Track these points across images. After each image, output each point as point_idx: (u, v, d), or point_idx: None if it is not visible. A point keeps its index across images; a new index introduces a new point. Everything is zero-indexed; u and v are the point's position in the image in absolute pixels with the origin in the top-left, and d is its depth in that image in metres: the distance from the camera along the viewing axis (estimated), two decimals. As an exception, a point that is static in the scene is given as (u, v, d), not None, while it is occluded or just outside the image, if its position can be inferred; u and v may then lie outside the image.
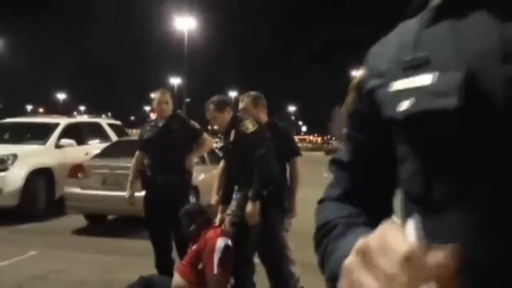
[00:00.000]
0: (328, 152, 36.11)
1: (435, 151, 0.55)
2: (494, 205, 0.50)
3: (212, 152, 7.20)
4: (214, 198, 3.71)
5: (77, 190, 6.29)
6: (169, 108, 4.14)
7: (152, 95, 4.19)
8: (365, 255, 0.44)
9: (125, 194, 5.70)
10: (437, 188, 0.55)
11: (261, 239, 3.27)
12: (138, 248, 5.29)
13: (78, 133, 8.48)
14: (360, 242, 0.45)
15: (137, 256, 4.92)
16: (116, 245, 5.60)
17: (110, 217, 7.17)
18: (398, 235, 0.43)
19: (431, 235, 0.44)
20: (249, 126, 3.21)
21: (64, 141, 7.89)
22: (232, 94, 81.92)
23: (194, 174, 4.54)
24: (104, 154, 6.94)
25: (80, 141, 8.44)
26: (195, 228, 3.30)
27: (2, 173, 6.67)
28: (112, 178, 6.19)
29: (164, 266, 4.01)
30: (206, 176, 6.59)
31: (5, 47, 45.74)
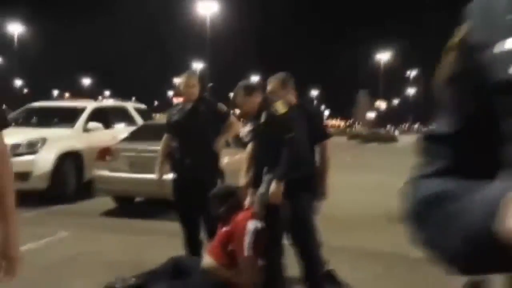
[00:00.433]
0: (351, 137, 35.64)
1: None
2: None
3: (236, 136, 7.18)
4: (243, 180, 3.69)
5: (106, 172, 6.38)
6: (196, 91, 4.11)
7: (178, 79, 4.18)
8: None
9: (152, 176, 5.83)
10: None
11: (291, 221, 3.24)
12: (166, 229, 5.34)
13: (105, 117, 8.58)
14: None
15: (165, 236, 4.97)
16: (144, 227, 5.68)
17: (137, 199, 7.27)
18: None
19: None
20: (280, 107, 3.18)
21: (91, 124, 8.00)
22: (255, 78, 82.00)
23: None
24: (131, 137, 7.00)
25: (107, 124, 8.55)
26: (225, 210, 3.29)
27: (32, 157, 6.80)
28: (140, 161, 6.25)
29: (193, 247, 4.04)
30: (230, 159, 6.58)
31: (29, 32, 46.45)
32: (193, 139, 3.98)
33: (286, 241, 3.42)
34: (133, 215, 6.33)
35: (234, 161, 5.93)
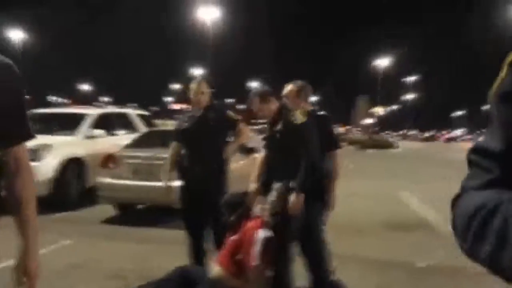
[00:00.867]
0: (351, 142, 35.64)
1: None
2: None
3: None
4: (252, 187, 3.67)
5: (109, 180, 6.36)
6: (205, 98, 4.11)
7: (178, 85, 4.19)
8: None
9: (156, 184, 5.83)
10: None
11: (302, 231, 3.23)
12: (170, 236, 5.33)
13: (108, 124, 8.58)
14: None
15: (169, 245, 4.96)
16: (148, 234, 5.66)
17: (139, 206, 7.26)
18: None
19: None
20: (299, 117, 3.17)
21: (94, 131, 8.00)
22: (255, 84, 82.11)
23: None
24: (135, 144, 7.00)
25: (110, 131, 8.55)
26: (235, 218, 3.28)
27: (35, 163, 6.76)
28: (144, 168, 6.24)
29: (198, 256, 4.02)
30: (234, 165, 6.58)
31: (28, 38, 46.38)
32: (203, 147, 3.98)
33: (294, 251, 3.42)
34: (136, 223, 6.31)
35: (238, 167, 5.93)
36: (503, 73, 0.63)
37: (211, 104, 4.22)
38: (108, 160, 6.47)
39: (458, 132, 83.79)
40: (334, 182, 3.55)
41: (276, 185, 3.32)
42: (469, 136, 76.16)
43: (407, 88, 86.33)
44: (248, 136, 4.61)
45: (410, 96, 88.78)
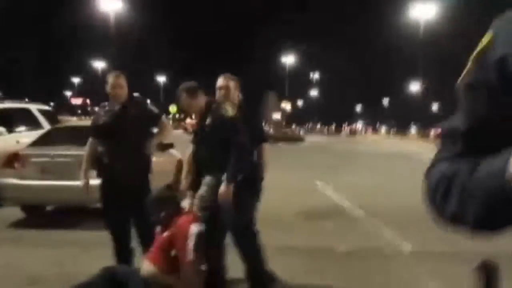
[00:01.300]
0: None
1: None
2: None
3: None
4: (183, 183, 3.61)
5: (14, 180, 5.83)
6: (124, 92, 3.92)
7: (109, 77, 3.92)
8: None
9: (68, 183, 5.48)
10: None
11: (235, 222, 3.23)
12: (85, 239, 5.09)
13: (7, 120, 7.87)
14: None
15: (86, 247, 4.71)
16: (63, 237, 5.31)
17: (48, 208, 6.77)
18: None
19: None
20: (229, 110, 3.14)
21: (-7, 128, 7.29)
22: (161, 78, 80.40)
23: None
24: (41, 141, 6.47)
25: (10, 128, 7.84)
26: (166, 214, 3.19)
27: None
28: (52, 167, 5.82)
29: (124, 255, 3.86)
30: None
31: None
32: (123, 143, 3.78)
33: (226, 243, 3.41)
34: (47, 225, 5.88)
35: (155, 163, 5.76)
36: (469, 66, 0.73)
37: (130, 98, 4.03)
38: (13, 160, 5.93)
39: (359, 124, 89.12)
40: (263, 174, 3.59)
41: (206, 179, 3.29)
42: (370, 128, 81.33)
43: (311, 84, 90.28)
44: (171, 132, 4.49)
45: (314, 92, 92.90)
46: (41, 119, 8.99)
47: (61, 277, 3.74)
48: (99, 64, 66.52)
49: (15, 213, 6.24)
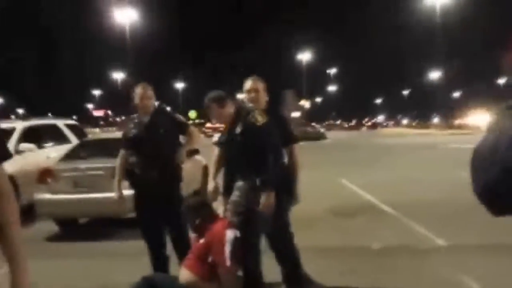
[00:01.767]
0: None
1: None
2: None
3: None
4: (211, 185, 3.63)
5: (48, 195, 5.98)
6: (152, 102, 4.00)
7: (135, 90, 3.99)
8: None
9: (101, 195, 5.60)
10: None
11: (273, 226, 3.25)
12: (122, 249, 5.16)
13: (36, 137, 8.06)
14: None
15: (124, 257, 4.79)
16: (98, 249, 5.40)
17: (81, 220, 6.91)
18: None
19: None
20: (259, 118, 3.15)
21: (23, 145, 7.48)
22: (179, 85, 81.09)
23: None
24: (71, 156, 6.62)
25: (39, 144, 8.04)
26: (200, 222, 3.22)
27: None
28: (84, 180, 5.95)
29: (161, 264, 3.92)
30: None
31: None
32: (153, 153, 3.86)
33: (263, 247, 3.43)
34: (82, 237, 6.00)
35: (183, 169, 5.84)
36: None
37: (158, 108, 4.11)
38: (45, 175, 6.08)
39: (380, 118, 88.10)
40: (297, 175, 3.59)
41: (239, 184, 3.30)
42: (391, 122, 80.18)
43: (329, 80, 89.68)
44: (199, 140, 4.54)
45: (332, 88, 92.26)
46: (68, 133, 9.19)
47: (103, 288, 3.81)
48: (118, 76, 67.51)
49: (50, 227, 6.39)
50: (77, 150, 6.96)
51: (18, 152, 7.35)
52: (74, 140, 8.76)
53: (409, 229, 5.59)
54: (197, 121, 51.98)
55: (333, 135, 42.03)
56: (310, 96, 63.12)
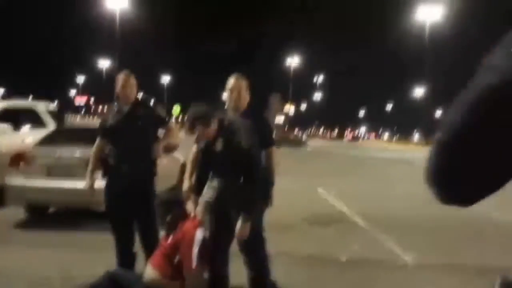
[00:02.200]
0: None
1: None
2: None
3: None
4: (186, 185, 3.59)
5: (20, 180, 5.86)
6: (133, 92, 3.92)
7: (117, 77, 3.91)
8: None
9: (75, 184, 5.49)
10: None
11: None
12: (88, 241, 5.08)
13: (13, 118, 7.89)
14: None
15: (90, 249, 4.73)
16: (68, 239, 5.30)
17: (52, 208, 6.80)
18: None
19: None
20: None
21: (-2, 126, 7.33)
22: (166, 78, 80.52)
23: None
24: (47, 141, 6.49)
25: (16, 127, 7.89)
26: (171, 219, 3.21)
27: None
28: (60, 167, 5.85)
29: (127, 259, 3.86)
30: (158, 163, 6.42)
31: None
32: (130, 144, 3.78)
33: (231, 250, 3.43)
34: (52, 226, 5.91)
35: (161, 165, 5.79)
36: None
37: (139, 100, 4.04)
38: (18, 159, 5.96)
39: (362, 129, 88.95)
40: (273, 178, 3.56)
41: (213, 183, 3.26)
42: (373, 133, 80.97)
43: (315, 88, 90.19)
44: (177, 135, 4.49)
45: (317, 96, 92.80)
46: (47, 118, 9.02)
47: (63, 280, 3.76)
48: (104, 63, 66.69)
49: (18, 214, 6.27)
50: (54, 136, 6.82)
51: (-8, 132, 7.20)
52: (53, 126, 8.61)
53: (378, 243, 5.65)
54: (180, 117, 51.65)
55: (313, 143, 42.28)
56: (295, 102, 63.34)
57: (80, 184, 4.36)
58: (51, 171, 5.87)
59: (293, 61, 62.52)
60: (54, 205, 6.56)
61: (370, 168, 17.78)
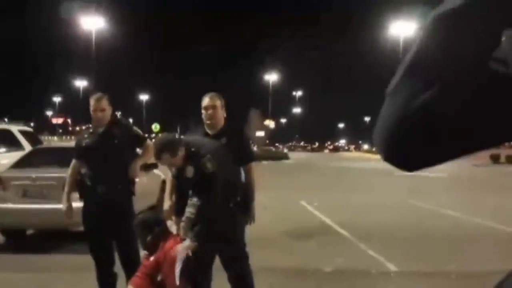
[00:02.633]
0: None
1: None
2: None
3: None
4: (167, 203, 3.54)
5: (-6, 204, 5.70)
6: (107, 114, 3.87)
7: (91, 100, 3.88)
8: None
9: (50, 206, 5.37)
10: None
11: (228, 247, 3.21)
12: (69, 263, 4.97)
13: (-14, 141, 7.73)
14: None
15: (69, 271, 4.61)
16: (45, 261, 5.17)
17: (29, 231, 6.62)
18: None
19: None
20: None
21: (-29, 150, 7.15)
22: (144, 97, 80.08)
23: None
24: (22, 163, 6.35)
25: (-11, 150, 7.71)
26: (152, 238, 3.14)
27: None
28: (34, 190, 5.71)
29: (107, 280, 3.78)
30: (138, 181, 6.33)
31: None
32: (106, 165, 3.73)
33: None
34: (27, 249, 5.74)
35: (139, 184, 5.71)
36: None
37: (114, 119, 3.99)
38: (-7, 182, 5.80)
39: (342, 141, 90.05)
40: (253, 194, 3.54)
41: (194, 200, 3.22)
42: (353, 146, 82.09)
43: (294, 102, 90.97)
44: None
45: (296, 110, 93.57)
46: (22, 140, 8.87)
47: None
48: (80, 83, 66.05)
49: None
50: (29, 158, 6.69)
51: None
52: (28, 148, 8.45)
53: (361, 253, 5.65)
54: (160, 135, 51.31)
55: (295, 156, 42.44)
56: (275, 117, 63.75)
57: (56, 206, 4.27)
58: (27, 193, 5.73)
59: (271, 77, 63.02)
60: (31, 227, 6.40)
61: (351, 179, 17.89)
